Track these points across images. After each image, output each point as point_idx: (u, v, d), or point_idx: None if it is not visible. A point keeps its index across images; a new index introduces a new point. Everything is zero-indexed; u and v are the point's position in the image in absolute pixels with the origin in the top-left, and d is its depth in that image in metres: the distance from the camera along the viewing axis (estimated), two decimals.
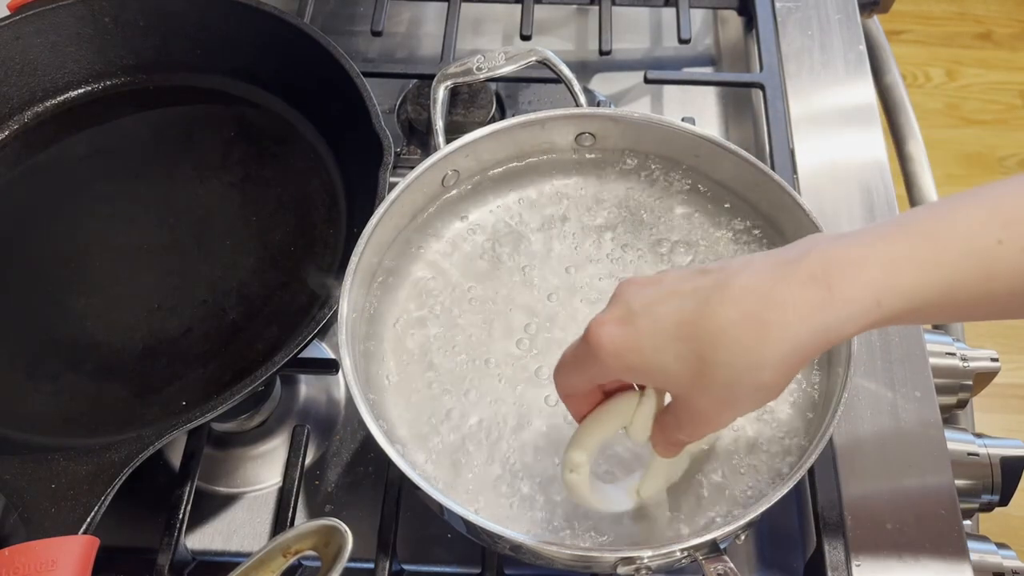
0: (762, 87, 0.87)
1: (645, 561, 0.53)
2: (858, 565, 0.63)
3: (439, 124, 0.72)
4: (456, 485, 0.59)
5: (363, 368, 0.62)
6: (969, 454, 0.70)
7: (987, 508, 0.70)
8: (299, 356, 0.61)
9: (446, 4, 0.95)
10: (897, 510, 0.65)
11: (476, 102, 0.91)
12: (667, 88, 0.95)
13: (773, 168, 0.74)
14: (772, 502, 0.53)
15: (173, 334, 0.70)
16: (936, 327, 0.91)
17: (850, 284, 0.41)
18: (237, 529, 0.70)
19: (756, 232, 0.69)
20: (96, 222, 0.77)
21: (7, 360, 0.70)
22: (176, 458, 0.70)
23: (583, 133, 0.71)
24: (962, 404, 0.74)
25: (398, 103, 0.93)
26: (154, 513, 0.66)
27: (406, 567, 0.67)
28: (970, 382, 0.74)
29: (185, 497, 0.66)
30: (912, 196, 1.00)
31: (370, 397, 0.60)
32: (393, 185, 0.66)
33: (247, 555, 0.54)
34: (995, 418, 1.79)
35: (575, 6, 1.01)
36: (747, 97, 0.95)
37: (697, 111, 0.93)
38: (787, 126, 0.85)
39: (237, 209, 0.77)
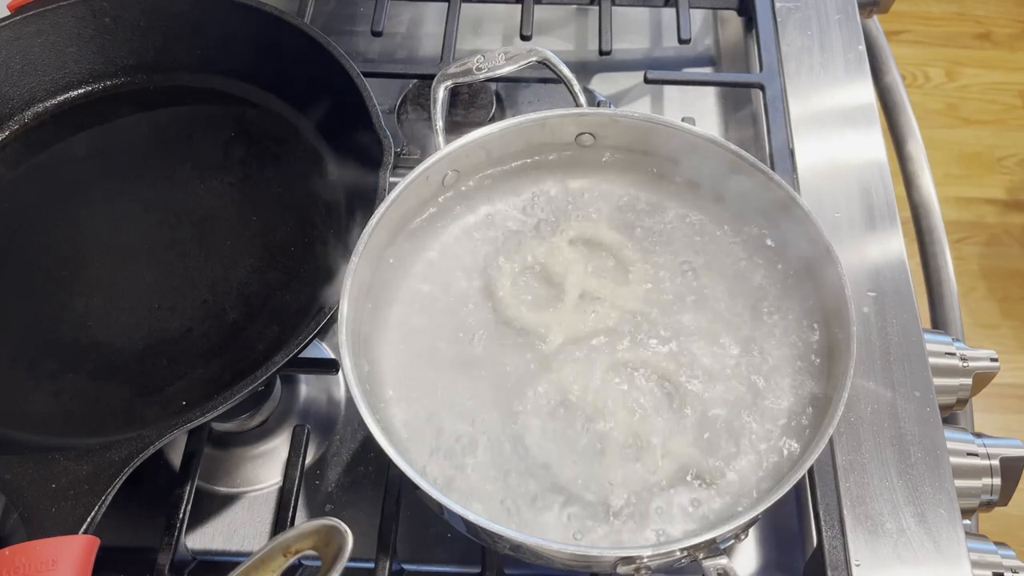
0: (762, 87, 0.88)
1: (645, 561, 0.53)
2: (858, 565, 0.63)
3: (439, 124, 0.72)
4: (456, 485, 0.59)
5: (363, 368, 0.62)
6: (969, 454, 0.70)
7: (986, 508, 0.70)
8: (299, 356, 0.61)
9: (446, 4, 0.95)
10: (897, 510, 0.65)
11: (476, 102, 0.91)
12: (667, 88, 0.95)
13: (773, 168, 0.74)
14: (772, 502, 0.53)
15: (173, 334, 0.70)
16: (936, 326, 0.92)
17: None
18: (237, 529, 0.70)
19: (755, 229, 0.69)
20: (96, 222, 0.77)
21: (7, 360, 0.70)
22: (176, 458, 0.70)
23: (583, 133, 0.71)
24: (962, 404, 0.74)
25: (398, 103, 0.93)
26: (154, 513, 0.66)
27: (406, 567, 0.67)
28: (970, 382, 0.74)
29: (185, 497, 0.66)
30: (911, 196, 1.01)
31: (370, 396, 0.60)
32: (393, 185, 0.66)
33: (247, 555, 0.54)
34: (995, 418, 1.79)
35: (575, 6, 1.01)
36: (747, 97, 0.95)
37: (697, 111, 0.93)
38: (787, 126, 0.85)
39: (237, 209, 0.77)
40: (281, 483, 0.71)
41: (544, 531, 0.58)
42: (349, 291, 0.60)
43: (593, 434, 0.61)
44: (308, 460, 0.72)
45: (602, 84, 0.96)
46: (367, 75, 0.75)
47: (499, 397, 0.63)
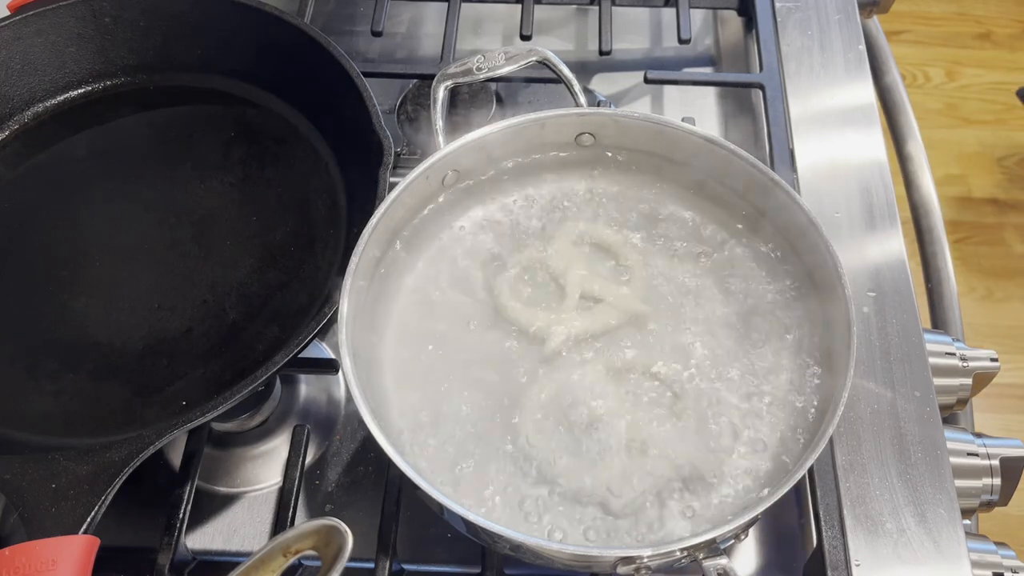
0: (762, 87, 0.88)
1: (645, 561, 0.53)
2: (858, 565, 0.63)
3: (439, 124, 0.72)
4: (456, 485, 0.59)
5: (363, 367, 0.62)
6: (969, 454, 0.70)
7: (986, 508, 0.70)
8: (299, 356, 0.61)
9: (446, 4, 0.95)
10: (897, 510, 0.65)
11: (476, 102, 0.91)
12: (667, 88, 0.95)
13: (773, 168, 0.74)
14: (772, 502, 0.53)
15: (173, 334, 0.70)
16: (936, 326, 0.92)
17: None
18: (237, 529, 0.70)
19: (755, 230, 0.69)
20: (96, 222, 0.77)
21: (7, 360, 0.70)
22: (176, 458, 0.70)
23: (583, 133, 0.71)
24: (962, 404, 0.74)
25: (398, 103, 0.93)
26: (154, 513, 0.66)
27: (406, 567, 0.67)
28: (970, 382, 0.74)
29: (185, 497, 0.66)
30: (911, 196, 1.01)
31: (370, 396, 0.60)
32: (393, 185, 0.66)
33: (247, 555, 0.54)
34: (995, 418, 1.79)
35: (575, 6, 1.01)
36: (747, 97, 0.95)
37: (697, 111, 0.93)
38: (787, 126, 0.85)
39: (237, 209, 0.77)
40: (281, 483, 0.71)
41: (543, 531, 0.58)
42: (349, 291, 0.60)
43: (593, 435, 0.61)
44: (308, 460, 0.72)
45: (602, 84, 0.96)
46: (367, 75, 0.75)
47: (499, 397, 0.63)
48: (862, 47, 0.93)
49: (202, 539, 0.69)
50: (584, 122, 0.70)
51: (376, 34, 0.94)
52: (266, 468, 0.72)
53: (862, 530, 0.64)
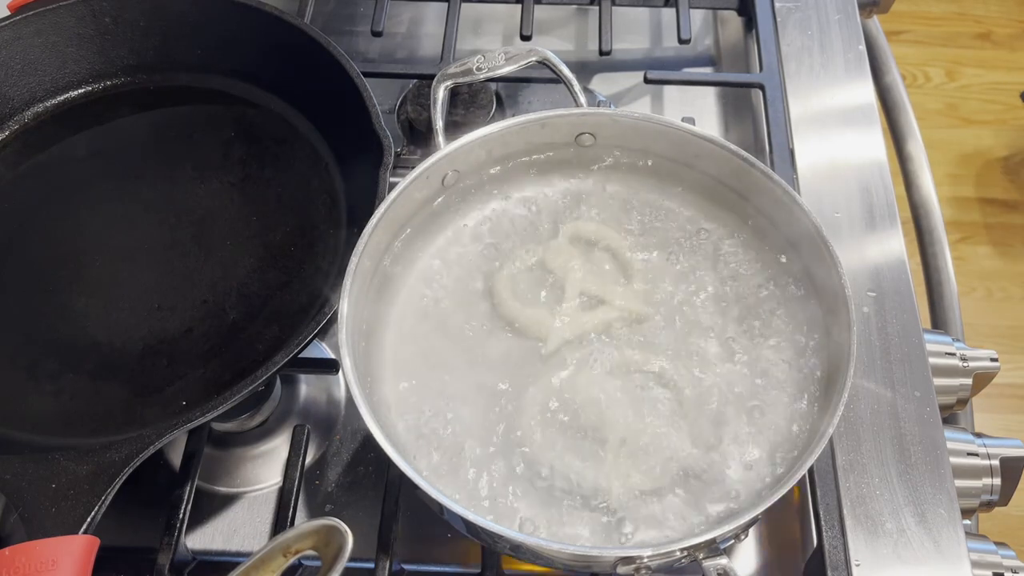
0: (762, 87, 0.88)
1: (645, 561, 0.53)
2: (858, 565, 0.63)
3: (439, 124, 0.72)
4: (456, 484, 0.59)
5: (363, 367, 0.62)
6: (969, 454, 0.70)
7: (986, 508, 0.70)
8: (299, 356, 0.61)
9: (446, 4, 0.95)
10: (897, 510, 0.65)
11: (476, 102, 0.91)
12: (667, 88, 0.95)
13: (773, 168, 0.74)
14: (772, 502, 0.53)
15: (173, 334, 0.70)
16: (936, 326, 0.92)
17: None
18: (237, 529, 0.70)
19: (754, 230, 0.69)
20: (96, 222, 0.77)
21: (7, 360, 0.70)
22: (176, 458, 0.71)
23: (583, 133, 0.71)
24: (962, 404, 0.74)
25: (398, 103, 0.93)
26: (154, 513, 0.66)
27: (406, 567, 0.67)
28: (970, 382, 0.74)
29: (185, 497, 0.66)
30: (911, 196, 1.01)
31: (370, 396, 0.60)
32: (393, 185, 0.66)
33: (247, 555, 0.54)
34: (995, 418, 1.79)
35: (575, 6, 1.01)
36: (747, 97, 0.95)
37: (697, 111, 0.93)
38: (787, 126, 0.85)
39: (237, 209, 0.77)
40: (281, 483, 0.71)
41: (543, 530, 0.58)
42: (349, 291, 0.60)
43: (592, 434, 0.61)
44: (308, 460, 0.72)
45: (602, 84, 0.97)
46: (367, 75, 0.75)
47: (499, 397, 0.63)
48: (862, 47, 0.93)
49: (202, 539, 0.69)
50: (584, 122, 0.70)
51: (376, 34, 0.94)
52: (266, 468, 0.72)
53: (862, 530, 0.64)
